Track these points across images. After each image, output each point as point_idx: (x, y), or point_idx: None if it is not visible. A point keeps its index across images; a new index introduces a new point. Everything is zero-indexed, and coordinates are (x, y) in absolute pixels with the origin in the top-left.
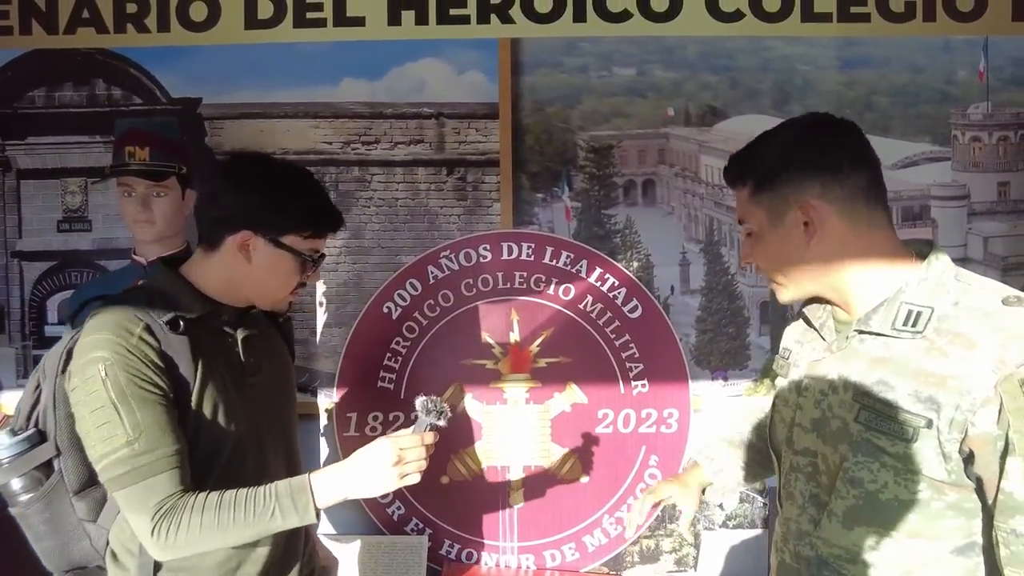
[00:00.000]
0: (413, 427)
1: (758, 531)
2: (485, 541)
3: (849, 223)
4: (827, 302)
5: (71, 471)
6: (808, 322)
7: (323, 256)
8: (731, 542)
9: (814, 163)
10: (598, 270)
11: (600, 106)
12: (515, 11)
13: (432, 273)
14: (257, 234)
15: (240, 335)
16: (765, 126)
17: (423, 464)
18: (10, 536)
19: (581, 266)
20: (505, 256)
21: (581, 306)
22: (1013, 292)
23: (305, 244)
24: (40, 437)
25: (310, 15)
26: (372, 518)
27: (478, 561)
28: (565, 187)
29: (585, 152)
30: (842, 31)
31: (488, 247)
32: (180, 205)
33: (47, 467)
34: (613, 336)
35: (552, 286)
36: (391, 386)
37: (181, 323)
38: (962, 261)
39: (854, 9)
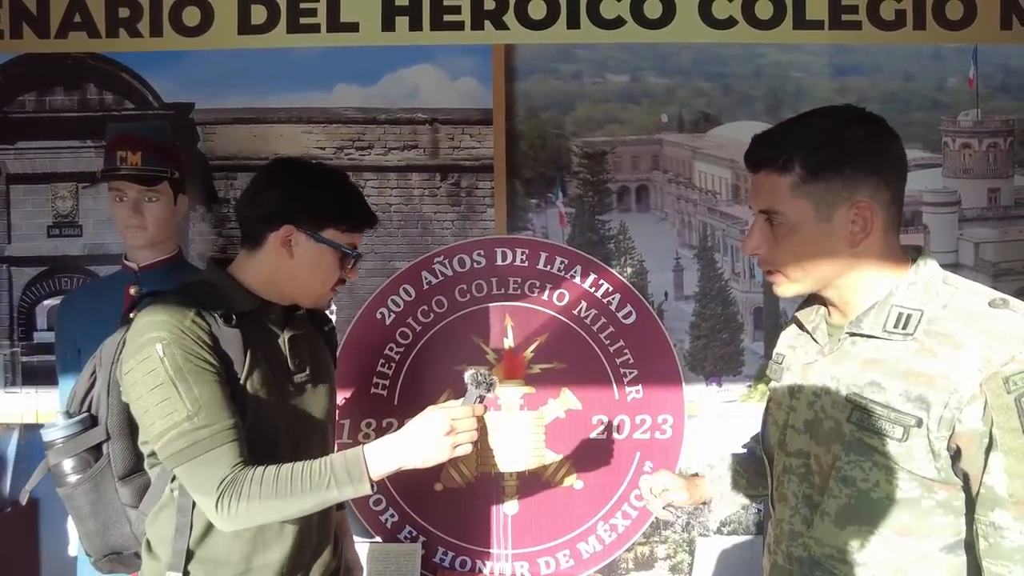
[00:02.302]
0: (463, 399)
1: (752, 537)
2: (479, 548)
3: (884, 227)
4: (822, 301)
5: (118, 456)
6: (801, 326)
7: (360, 255)
8: (725, 548)
9: (872, 164)
10: (592, 276)
11: (594, 112)
12: (509, 17)
13: (426, 279)
14: (299, 229)
15: (287, 334)
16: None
17: (474, 435)
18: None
19: (575, 272)
20: (499, 262)
21: (575, 312)
22: (999, 295)
23: (344, 238)
24: (92, 421)
25: (304, 20)
26: (365, 525)
27: (472, 568)
28: (559, 193)
29: (579, 158)
30: (834, 38)
31: (482, 253)
32: (172, 210)
33: (96, 451)
34: (607, 342)
35: (546, 292)
36: (384, 392)
37: (234, 317)
38: (953, 267)
39: (845, 17)
